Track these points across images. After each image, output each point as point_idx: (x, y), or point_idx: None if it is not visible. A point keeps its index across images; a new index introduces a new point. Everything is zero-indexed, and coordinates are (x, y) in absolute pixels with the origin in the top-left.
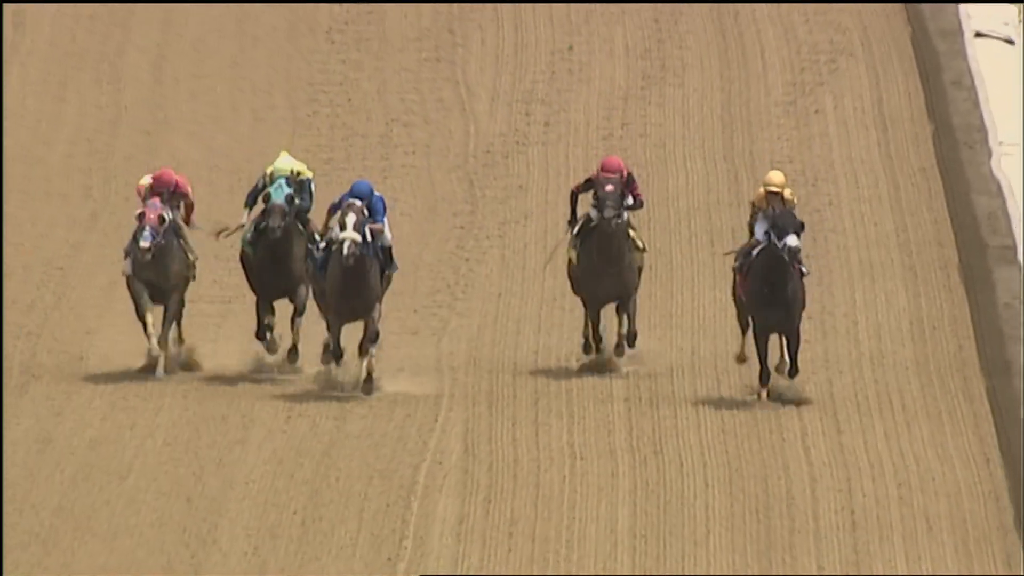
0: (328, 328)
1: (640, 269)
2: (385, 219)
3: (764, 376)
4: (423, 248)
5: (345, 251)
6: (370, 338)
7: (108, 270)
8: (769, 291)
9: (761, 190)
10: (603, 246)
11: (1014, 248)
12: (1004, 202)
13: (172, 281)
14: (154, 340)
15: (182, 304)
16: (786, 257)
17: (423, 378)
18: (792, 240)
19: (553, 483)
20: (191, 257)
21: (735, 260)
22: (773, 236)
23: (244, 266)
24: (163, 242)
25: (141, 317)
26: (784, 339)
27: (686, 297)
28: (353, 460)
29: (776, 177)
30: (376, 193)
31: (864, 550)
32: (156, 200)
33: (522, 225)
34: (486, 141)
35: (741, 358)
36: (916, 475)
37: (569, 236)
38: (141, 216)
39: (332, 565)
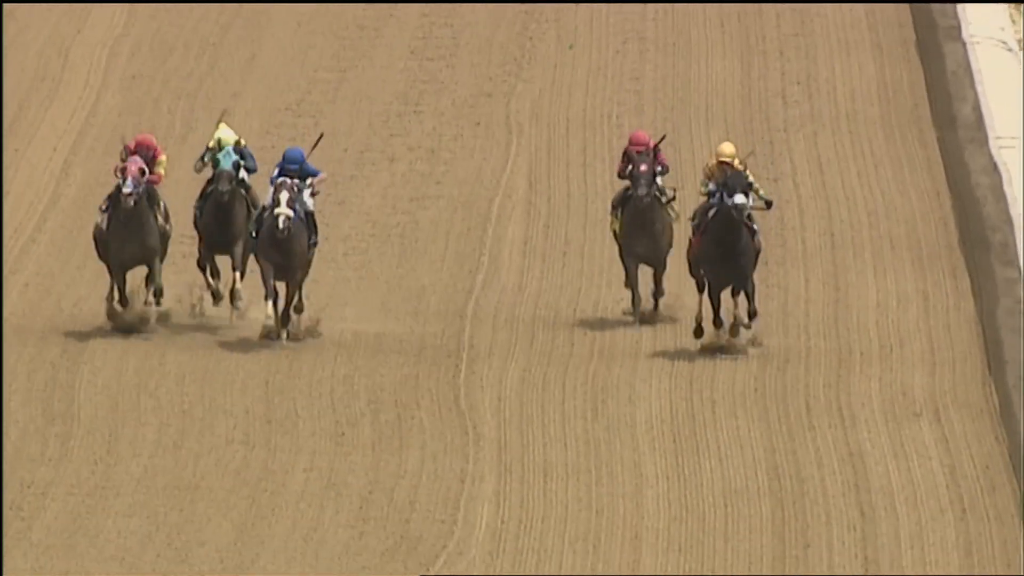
0: (263, 280)
1: (671, 230)
2: (320, 174)
3: (717, 321)
4: (495, 29)
5: (280, 225)
6: (296, 309)
7: (251, 46)
8: (722, 249)
9: (713, 160)
10: (639, 216)
11: (958, 27)
12: None
13: (148, 251)
14: (117, 307)
15: (161, 264)
16: (734, 214)
17: (492, 131)
18: (739, 198)
19: (599, 211)
20: (164, 226)
21: (692, 220)
22: (724, 194)
23: (196, 227)
24: (143, 192)
25: (116, 284)
26: (741, 293)
27: (701, 65)
28: (441, 197)
29: (727, 148)
30: (307, 161)
31: (841, 264)
32: (136, 156)
33: (573, 11)
34: None
35: (698, 332)
36: (882, 206)
37: (611, 209)
38: (123, 170)
39: (426, 275)
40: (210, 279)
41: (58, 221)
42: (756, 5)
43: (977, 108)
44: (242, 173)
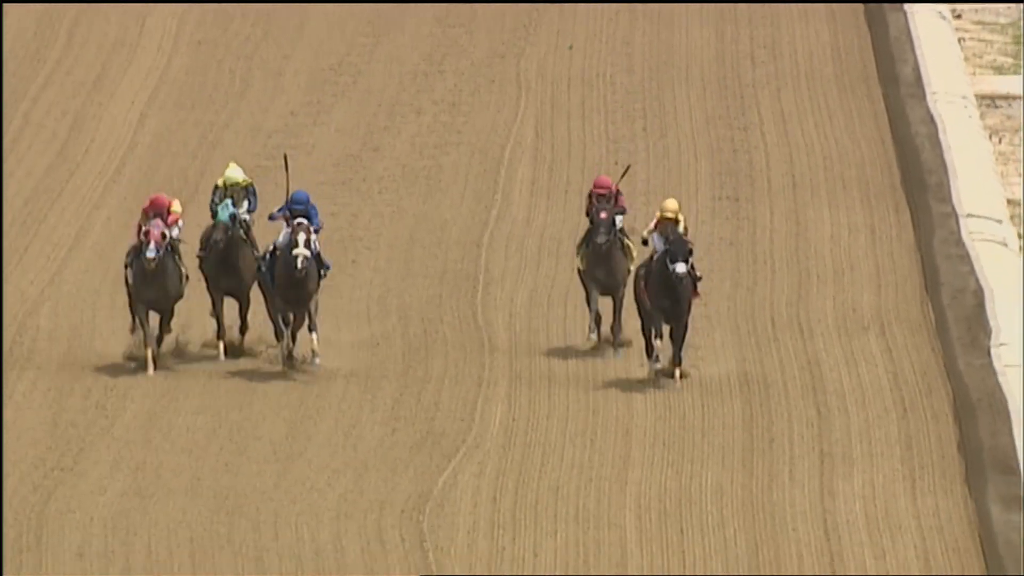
0: (272, 320)
1: (627, 270)
2: (318, 223)
3: (649, 350)
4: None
5: (299, 265)
6: (311, 327)
7: (299, 15)
8: (665, 303)
9: (658, 214)
10: (600, 255)
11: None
12: None
13: (171, 298)
14: (151, 349)
15: (173, 312)
16: (674, 280)
17: (504, 87)
18: (680, 267)
19: (595, 156)
20: (184, 272)
21: (639, 270)
22: (668, 260)
23: (202, 270)
24: (163, 255)
25: (141, 323)
26: (674, 330)
27: (682, 32)
28: (461, 144)
29: (671, 204)
30: (312, 202)
31: (801, 201)
32: (158, 221)
33: None
34: None
35: (655, 357)
36: (836, 151)
37: (578, 246)
38: (146, 234)
39: (448, 211)
40: (220, 317)
41: (135, 164)
42: None
43: (916, 68)
44: (244, 216)
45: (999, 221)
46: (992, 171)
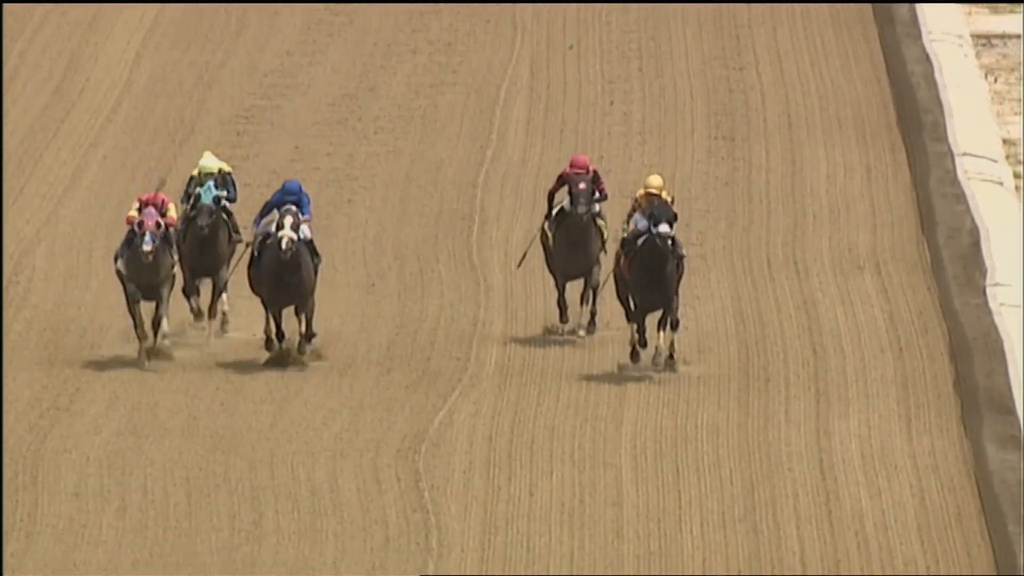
0: (267, 316)
1: (602, 248)
2: (309, 212)
3: (642, 341)
4: None
5: (284, 245)
6: (307, 337)
7: None
8: (649, 275)
9: (642, 191)
10: (574, 233)
11: None
12: None
13: (162, 281)
14: (148, 339)
15: (169, 298)
16: (658, 242)
17: (500, 27)
18: (664, 228)
19: (590, 95)
20: (173, 259)
21: (621, 247)
22: (651, 223)
23: (179, 252)
24: (160, 245)
25: (133, 313)
26: (663, 313)
27: None
28: (456, 84)
29: (655, 180)
30: (304, 191)
31: (797, 141)
32: (151, 209)
33: None
34: None
35: (635, 356)
36: (831, 91)
37: (546, 224)
38: (140, 224)
39: (443, 150)
40: (194, 303)
41: (131, 104)
42: None
43: (912, 8)
44: (225, 201)
45: (995, 160)
46: (988, 110)
